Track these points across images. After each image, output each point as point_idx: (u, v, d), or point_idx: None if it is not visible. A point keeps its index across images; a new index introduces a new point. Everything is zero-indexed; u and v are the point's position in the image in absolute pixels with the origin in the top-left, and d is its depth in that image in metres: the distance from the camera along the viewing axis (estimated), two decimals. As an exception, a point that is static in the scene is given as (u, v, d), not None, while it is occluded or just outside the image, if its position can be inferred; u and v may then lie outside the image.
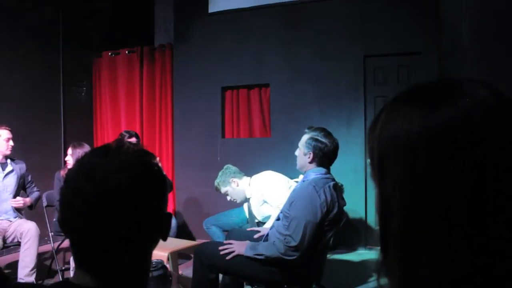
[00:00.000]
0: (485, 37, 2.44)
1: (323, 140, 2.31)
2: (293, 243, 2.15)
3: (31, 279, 3.10)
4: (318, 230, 2.20)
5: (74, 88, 5.29)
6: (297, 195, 2.28)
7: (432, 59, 4.20)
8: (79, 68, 5.34)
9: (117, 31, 5.64)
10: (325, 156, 2.32)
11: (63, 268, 3.65)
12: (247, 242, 2.42)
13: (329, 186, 2.26)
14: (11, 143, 3.43)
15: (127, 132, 3.97)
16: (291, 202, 2.28)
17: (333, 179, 2.36)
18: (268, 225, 3.05)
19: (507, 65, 2.00)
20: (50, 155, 4.73)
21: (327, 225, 2.26)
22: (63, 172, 3.78)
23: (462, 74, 3.12)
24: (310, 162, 2.35)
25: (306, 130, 2.43)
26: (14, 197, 3.43)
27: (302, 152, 2.37)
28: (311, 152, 2.33)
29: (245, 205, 3.72)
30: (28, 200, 3.49)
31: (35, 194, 3.66)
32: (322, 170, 2.35)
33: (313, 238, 2.18)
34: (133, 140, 3.81)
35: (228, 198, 3.52)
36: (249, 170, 4.74)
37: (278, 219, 2.48)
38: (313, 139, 2.33)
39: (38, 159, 4.55)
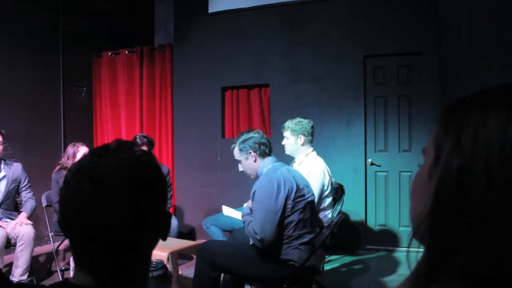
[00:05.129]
0: (485, 37, 2.44)
1: (249, 135, 2.44)
2: (258, 236, 2.24)
3: (24, 278, 3.16)
4: (281, 216, 2.26)
5: (74, 88, 5.29)
6: (254, 190, 2.35)
7: (432, 59, 4.20)
8: (79, 68, 5.34)
9: (117, 31, 5.64)
10: (261, 144, 2.42)
11: (63, 268, 3.65)
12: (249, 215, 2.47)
13: (280, 172, 2.34)
14: None
15: (139, 138, 3.83)
16: (252, 199, 2.36)
17: (281, 165, 2.44)
18: None
19: (507, 65, 2.00)
20: (50, 155, 4.72)
21: (294, 206, 2.31)
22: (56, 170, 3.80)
23: (461, 74, 3.12)
24: (255, 161, 2.43)
25: (232, 146, 2.52)
26: (7, 199, 3.43)
27: (244, 159, 2.45)
28: (250, 151, 2.41)
29: (246, 205, 3.72)
30: (25, 220, 3.37)
31: (29, 204, 3.51)
32: (269, 160, 2.43)
33: (276, 225, 2.23)
34: (145, 148, 3.73)
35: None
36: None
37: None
38: (241, 142, 2.44)
39: (38, 159, 4.56)
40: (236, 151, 2.47)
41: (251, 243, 2.57)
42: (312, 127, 3.29)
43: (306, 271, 2.38)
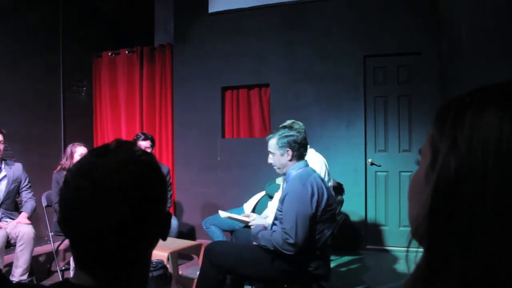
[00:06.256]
0: (485, 37, 2.44)
1: (292, 132, 2.37)
2: (291, 240, 2.17)
3: (24, 278, 3.16)
4: (312, 222, 2.22)
5: (74, 88, 5.29)
6: (286, 193, 2.30)
7: (432, 59, 4.20)
8: (79, 68, 5.34)
9: (117, 31, 5.64)
10: (301, 146, 2.37)
11: (63, 268, 3.65)
12: (262, 224, 2.45)
13: (314, 177, 2.30)
14: None
15: (143, 134, 3.96)
16: (282, 201, 2.30)
17: (314, 170, 2.40)
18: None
19: (507, 65, 2.00)
20: (50, 155, 4.73)
21: (322, 215, 2.28)
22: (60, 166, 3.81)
23: (461, 74, 3.12)
24: (290, 160, 2.37)
25: (270, 136, 2.45)
26: (8, 199, 3.43)
27: (279, 154, 2.38)
28: (288, 149, 2.35)
29: (245, 205, 3.72)
30: (25, 220, 3.39)
31: (29, 204, 3.52)
32: (302, 163, 2.39)
33: (308, 231, 2.20)
34: (147, 143, 3.82)
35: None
36: (249, 170, 4.75)
37: (274, 224, 2.47)
38: (283, 137, 2.37)
39: (38, 159, 4.56)
40: (273, 143, 2.40)
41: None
42: (304, 129, 3.20)
43: (316, 276, 2.37)
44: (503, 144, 0.43)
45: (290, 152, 2.35)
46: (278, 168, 2.46)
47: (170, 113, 5.22)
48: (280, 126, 3.28)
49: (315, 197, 2.22)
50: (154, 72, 5.28)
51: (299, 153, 2.37)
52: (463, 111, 0.48)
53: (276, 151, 2.39)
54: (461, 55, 3.14)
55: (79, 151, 3.69)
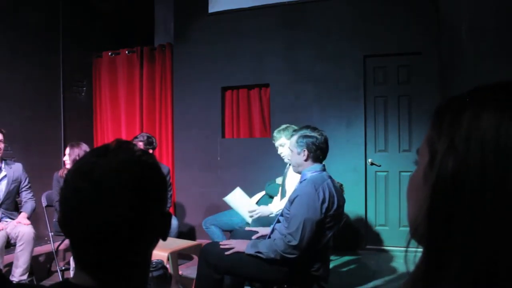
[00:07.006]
0: (485, 37, 2.44)
1: (312, 134, 2.36)
2: (294, 242, 2.16)
3: (24, 278, 3.17)
4: (318, 227, 2.21)
5: (74, 88, 5.29)
6: (297, 194, 2.29)
7: (432, 59, 4.20)
8: (79, 68, 5.34)
9: (117, 31, 5.64)
10: (318, 148, 2.36)
11: (63, 268, 3.65)
12: (248, 240, 2.43)
13: (327, 184, 2.28)
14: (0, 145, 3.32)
15: (141, 135, 3.93)
16: (291, 202, 2.29)
17: (330, 176, 2.39)
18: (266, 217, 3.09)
19: (507, 65, 2.00)
20: (50, 155, 4.73)
21: (328, 222, 2.28)
22: (61, 172, 3.80)
23: (461, 74, 3.12)
24: (306, 160, 2.37)
25: (293, 133, 2.48)
26: (8, 199, 3.44)
27: (296, 153, 2.40)
28: (304, 149, 2.36)
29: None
30: (25, 221, 3.38)
31: (29, 205, 3.53)
32: (318, 167, 2.38)
33: (313, 236, 2.19)
34: (140, 145, 3.79)
35: (282, 154, 3.13)
36: (249, 170, 4.75)
37: (278, 221, 2.47)
38: (302, 136, 2.37)
39: (38, 159, 4.56)
40: (293, 141, 2.42)
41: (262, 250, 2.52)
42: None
43: (316, 277, 2.37)
44: (501, 144, 0.43)
45: (306, 153, 2.36)
46: (294, 166, 2.47)
47: (170, 113, 5.21)
48: (276, 130, 3.30)
49: (325, 204, 2.22)
50: (154, 72, 5.28)
51: (315, 155, 2.36)
52: (461, 111, 0.47)
53: (294, 149, 2.41)
54: (461, 55, 3.14)
55: (67, 151, 3.70)
